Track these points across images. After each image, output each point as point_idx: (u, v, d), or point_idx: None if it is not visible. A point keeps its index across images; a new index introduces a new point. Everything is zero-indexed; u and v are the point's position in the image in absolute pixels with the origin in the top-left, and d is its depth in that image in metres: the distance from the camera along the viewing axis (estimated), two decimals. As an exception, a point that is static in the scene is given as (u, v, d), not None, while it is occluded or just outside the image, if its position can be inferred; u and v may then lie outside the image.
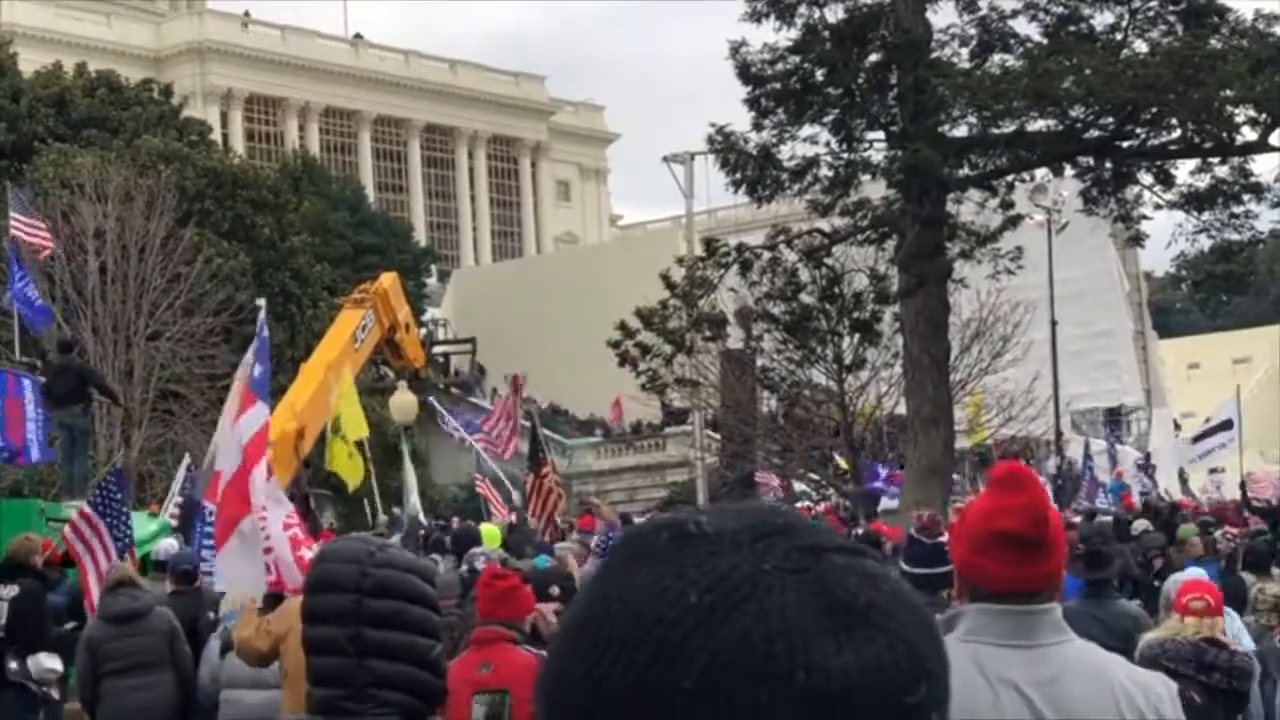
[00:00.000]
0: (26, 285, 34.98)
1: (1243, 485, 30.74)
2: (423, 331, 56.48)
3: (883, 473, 39.82)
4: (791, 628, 1.24)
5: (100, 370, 36.70)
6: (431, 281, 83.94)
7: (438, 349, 70.29)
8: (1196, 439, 41.11)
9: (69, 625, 16.06)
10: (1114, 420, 62.63)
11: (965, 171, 34.12)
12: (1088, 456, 34.82)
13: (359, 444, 29.50)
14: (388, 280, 40.90)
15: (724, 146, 34.46)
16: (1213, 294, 48.24)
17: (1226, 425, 38.08)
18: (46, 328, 36.59)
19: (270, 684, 11.26)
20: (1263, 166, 35.61)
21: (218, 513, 14.13)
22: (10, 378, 25.43)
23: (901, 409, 37.60)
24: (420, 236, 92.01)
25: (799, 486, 42.91)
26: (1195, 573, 12.39)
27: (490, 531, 19.72)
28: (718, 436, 48.00)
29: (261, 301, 17.25)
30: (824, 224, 36.01)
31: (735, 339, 40.49)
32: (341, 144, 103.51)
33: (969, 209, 34.82)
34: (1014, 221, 35.06)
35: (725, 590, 1.26)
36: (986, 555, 4.19)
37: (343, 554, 5.37)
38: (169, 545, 17.55)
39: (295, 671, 11.56)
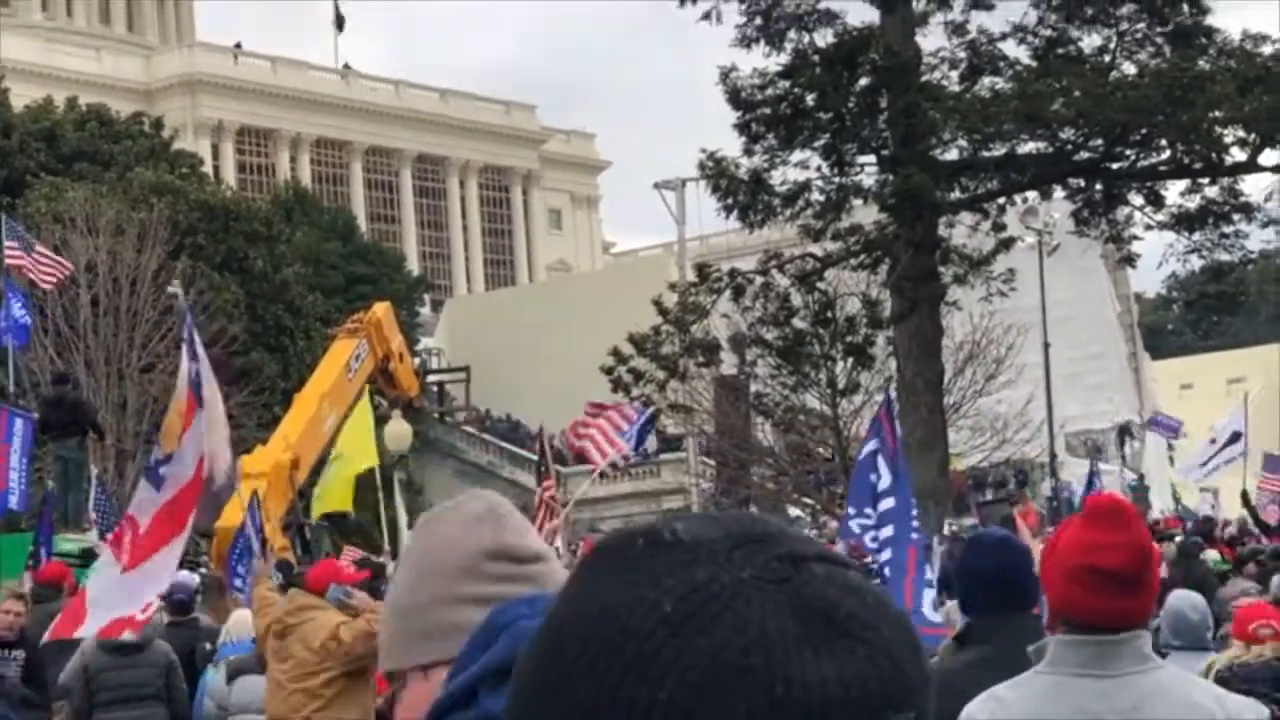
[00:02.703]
0: (22, 306, 34.86)
1: (1245, 499, 30.51)
2: (416, 361, 56.38)
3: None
4: (769, 639, 1.21)
5: (94, 403, 36.66)
6: (424, 311, 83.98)
7: (432, 378, 70.27)
8: (1204, 462, 40.77)
9: None
10: (1121, 439, 62.60)
11: (957, 195, 34.16)
12: (1094, 474, 34.59)
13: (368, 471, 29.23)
14: (381, 309, 40.82)
15: (715, 172, 34.49)
16: (1204, 314, 48.41)
17: (1234, 439, 37.81)
18: (20, 345, 36.40)
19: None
20: (1252, 186, 35.86)
21: (152, 527, 13.90)
22: (4, 416, 25.16)
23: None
24: (413, 266, 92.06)
25: (794, 513, 42.85)
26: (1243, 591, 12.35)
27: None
28: (712, 463, 47.97)
29: (177, 289, 16.95)
30: (816, 249, 36.01)
31: (729, 365, 40.49)
32: (333, 175, 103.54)
33: (961, 232, 34.87)
34: (1006, 244, 35.07)
35: (701, 600, 1.23)
36: (1082, 587, 4.15)
37: None
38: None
39: (294, 673, 11.60)
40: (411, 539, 2.82)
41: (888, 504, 14.46)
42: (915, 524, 14.38)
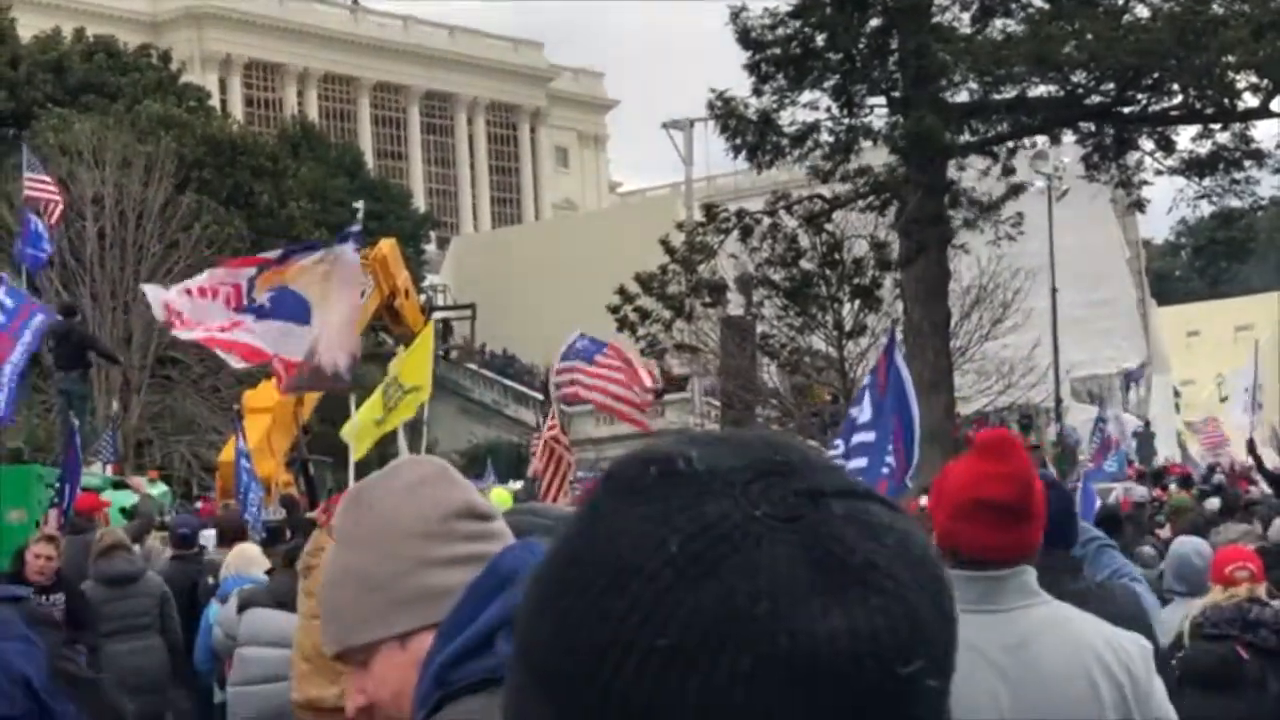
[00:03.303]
0: (46, 240, 34.84)
1: (1252, 447, 30.34)
2: (422, 298, 56.32)
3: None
4: (778, 586, 1.14)
5: (99, 335, 36.65)
6: (430, 248, 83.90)
7: (437, 315, 70.24)
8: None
9: None
10: (1127, 385, 62.56)
11: (966, 137, 34.01)
12: (1102, 419, 34.45)
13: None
14: (386, 246, 40.77)
15: (724, 112, 34.32)
16: (1214, 261, 48.31)
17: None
18: (39, 266, 36.36)
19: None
20: (1264, 133, 35.77)
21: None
22: (26, 308, 23.91)
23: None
24: (419, 203, 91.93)
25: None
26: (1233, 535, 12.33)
27: (501, 495, 19.56)
28: (717, 403, 47.96)
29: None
30: (824, 190, 35.91)
31: (735, 305, 40.43)
32: (340, 110, 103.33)
33: (970, 175, 34.72)
34: (1016, 189, 34.95)
35: (710, 540, 1.15)
36: (969, 522, 4.15)
37: None
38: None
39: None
40: (351, 513, 2.74)
41: (864, 437, 14.35)
42: (890, 461, 14.21)
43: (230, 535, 16.00)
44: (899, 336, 19.55)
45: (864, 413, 14.53)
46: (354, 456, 19.93)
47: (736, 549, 1.15)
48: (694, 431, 1.48)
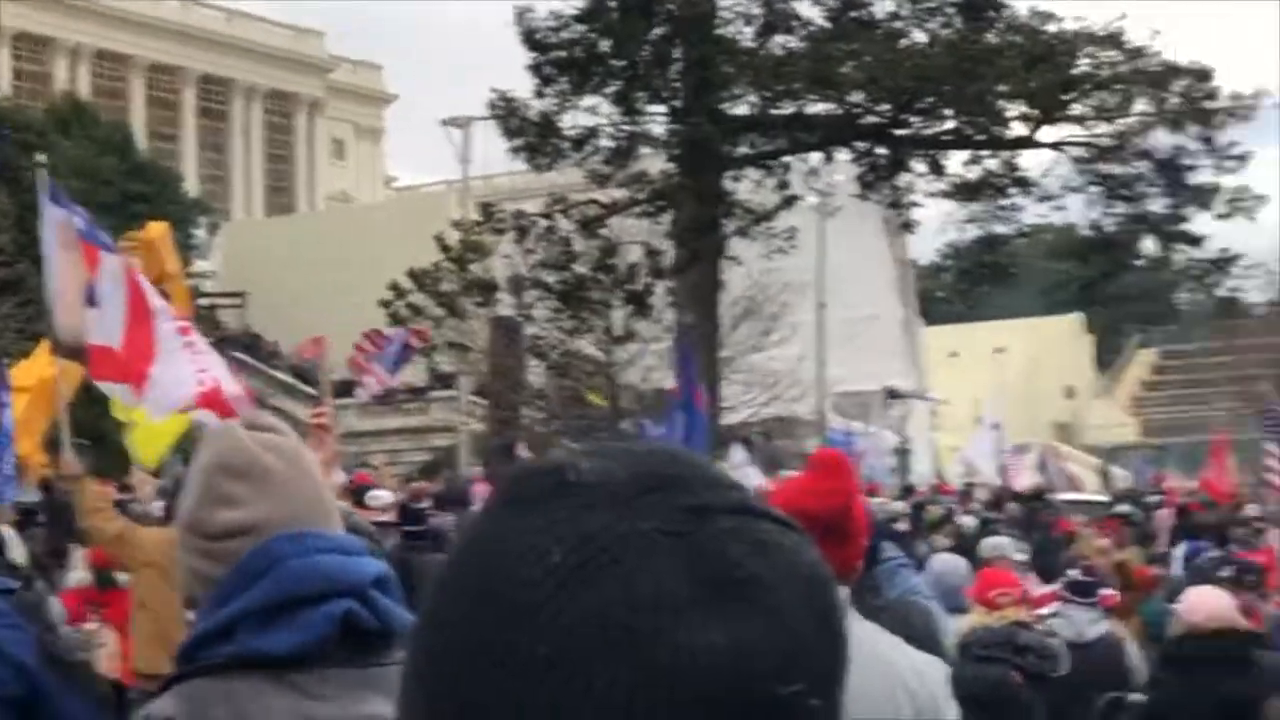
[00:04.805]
0: None
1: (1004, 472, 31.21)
2: (190, 284, 55.48)
3: (652, 430, 39.45)
4: (658, 599, 1.11)
5: None
6: (200, 234, 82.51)
7: (204, 301, 69.13)
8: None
9: None
10: (889, 402, 63.55)
11: (744, 150, 34.40)
12: (849, 434, 35.17)
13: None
14: (156, 230, 39.99)
15: (505, 112, 34.33)
16: (977, 284, 49.28)
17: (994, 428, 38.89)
18: None
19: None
20: (1031, 161, 36.71)
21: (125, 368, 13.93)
22: None
23: (669, 383, 37.82)
24: (191, 187, 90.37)
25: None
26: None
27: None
28: (484, 403, 47.83)
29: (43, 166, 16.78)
30: (601, 195, 36.04)
31: (507, 306, 40.37)
32: (112, 89, 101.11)
33: (746, 188, 35.10)
34: (790, 201, 35.40)
35: (591, 551, 1.13)
36: None
37: None
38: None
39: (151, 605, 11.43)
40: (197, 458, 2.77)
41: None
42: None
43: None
44: (689, 351, 19.69)
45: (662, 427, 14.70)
46: (146, 464, 19.48)
47: (618, 561, 1.14)
48: (592, 443, 1.47)
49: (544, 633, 1.12)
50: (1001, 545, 16.05)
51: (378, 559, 2.81)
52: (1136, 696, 10.24)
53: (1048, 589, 12.54)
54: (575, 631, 1.12)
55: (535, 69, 34.13)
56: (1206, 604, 9.20)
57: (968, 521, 24.70)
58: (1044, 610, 11.05)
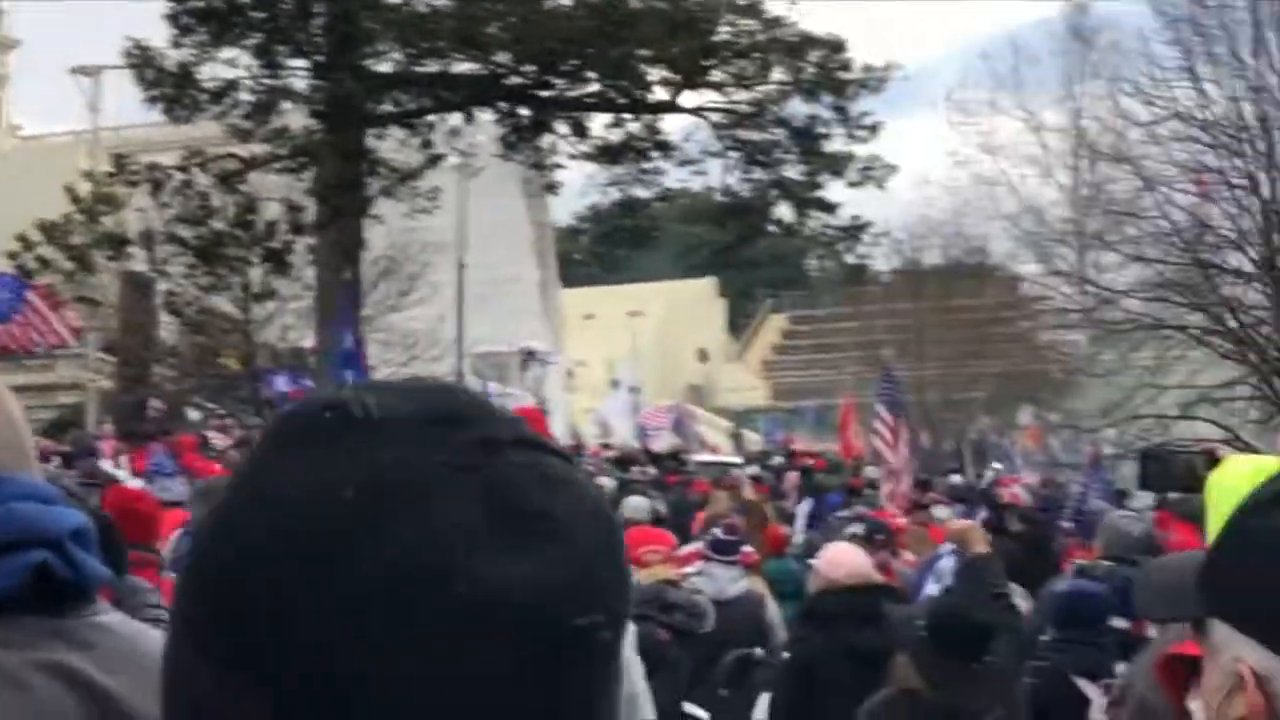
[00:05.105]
0: None
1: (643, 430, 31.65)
2: None
3: (282, 384, 38.61)
4: (454, 533, 1.10)
5: None
6: None
7: None
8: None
9: None
10: (526, 363, 63.90)
11: (388, 108, 34.11)
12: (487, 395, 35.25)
13: None
14: None
15: (141, 62, 33.38)
16: (617, 247, 49.90)
17: (632, 390, 39.48)
18: None
19: None
20: (672, 125, 37.35)
21: None
22: None
23: (308, 341, 37.40)
24: None
25: (193, 415, 41.98)
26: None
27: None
28: (113, 360, 46.57)
29: None
30: (241, 150, 35.35)
31: (140, 261, 39.34)
32: None
33: (390, 146, 34.81)
34: (434, 160, 35.23)
35: (385, 487, 1.11)
36: None
37: None
38: None
39: None
40: None
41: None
42: None
43: None
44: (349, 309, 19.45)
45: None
46: None
47: (413, 496, 1.12)
48: (374, 381, 1.44)
49: (344, 572, 1.10)
50: (641, 506, 16.32)
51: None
52: (760, 652, 10.50)
53: (689, 548, 12.73)
54: (369, 569, 1.10)
55: (173, 18, 33.20)
56: (846, 560, 9.48)
57: (606, 483, 24.98)
58: (688, 569, 11.21)
